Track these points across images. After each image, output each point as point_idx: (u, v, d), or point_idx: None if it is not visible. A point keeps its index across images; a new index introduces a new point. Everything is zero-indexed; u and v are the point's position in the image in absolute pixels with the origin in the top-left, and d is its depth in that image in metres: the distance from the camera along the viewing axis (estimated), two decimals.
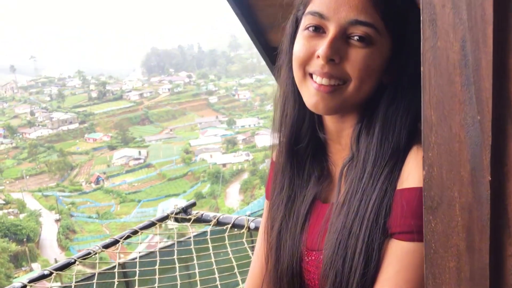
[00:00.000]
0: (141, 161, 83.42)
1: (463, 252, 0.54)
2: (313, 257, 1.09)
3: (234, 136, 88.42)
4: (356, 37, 0.94)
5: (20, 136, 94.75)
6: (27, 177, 77.49)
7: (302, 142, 1.14)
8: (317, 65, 0.98)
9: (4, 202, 61.66)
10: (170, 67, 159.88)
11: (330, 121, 1.09)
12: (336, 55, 0.95)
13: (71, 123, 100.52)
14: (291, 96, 1.13)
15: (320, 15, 0.96)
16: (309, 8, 0.99)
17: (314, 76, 0.99)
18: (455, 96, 0.50)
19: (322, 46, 0.94)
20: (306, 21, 1.00)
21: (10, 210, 58.75)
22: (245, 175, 68.55)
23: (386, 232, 0.94)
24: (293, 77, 1.08)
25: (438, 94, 0.52)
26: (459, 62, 0.47)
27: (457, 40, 0.47)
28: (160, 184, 74.05)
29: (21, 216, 57.03)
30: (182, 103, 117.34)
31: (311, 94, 1.00)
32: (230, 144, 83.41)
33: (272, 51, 1.94)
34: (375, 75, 0.97)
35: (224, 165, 73.52)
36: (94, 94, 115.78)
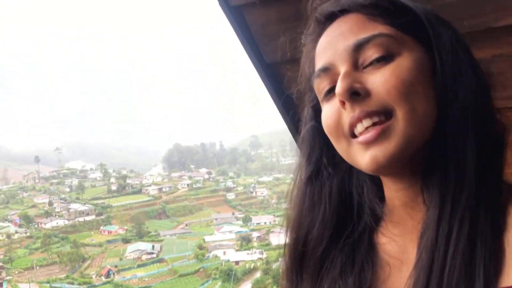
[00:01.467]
0: (154, 255, 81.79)
1: None
2: None
3: (249, 233, 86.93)
4: (373, 61, 0.76)
5: (36, 225, 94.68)
6: (37, 267, 76.04)
7: (316, 250, 0.87)
8: (347, 115, 0.76)
9: None
10: (191, 163, 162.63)
11: (395, 190, 0.83)
12: (356, 84, 0.75)
13: (88, 214, 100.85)
14: (299, 200, 0.91)
15: (325, 69, 0.80)
16: (313, 75, 0.83)
17: (355, 130, 0.76)
18: None
19: (337, 87, 0.76)
20: (318, 89, 0.83)
21: None
22: (258, 274, 66.18)
23: None
24: (306, 181, 0.89)
25: None
26: None
27: None
28: (170, 280, 71.80)
29: None
30: (200, 198, 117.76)
31: (363, 152, 0.76)
32: (245, 241, 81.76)
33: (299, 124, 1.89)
34: (423, 90, 0.75)
35: (237, 262, 71.44)
36: (114, 187, 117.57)
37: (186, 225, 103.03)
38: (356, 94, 0.74)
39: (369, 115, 0.74)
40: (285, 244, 0.93)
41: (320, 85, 0.81)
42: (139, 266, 77.79)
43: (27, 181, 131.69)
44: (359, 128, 0.75)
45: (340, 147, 0.80)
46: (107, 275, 73.79)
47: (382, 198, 0.86)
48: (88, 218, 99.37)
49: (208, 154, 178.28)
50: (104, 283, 71.58)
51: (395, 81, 0.73)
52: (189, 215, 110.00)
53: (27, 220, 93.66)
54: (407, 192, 0.80)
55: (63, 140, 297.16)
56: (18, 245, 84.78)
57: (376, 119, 0.74)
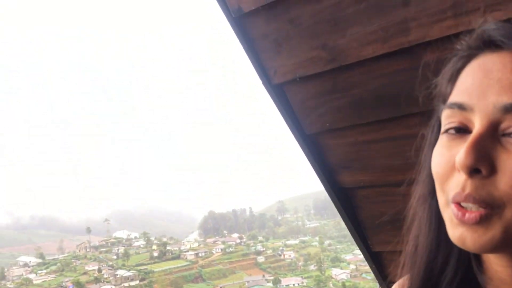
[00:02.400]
0: None
1: None
2: None
3: None
4: None
5: None
6: None
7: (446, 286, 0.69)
8: (457, 183, 0.57)
9: None
10: (224, 229, 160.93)
11: (496, 263, 0.64)
12: (483, 162, 0.54)
13: (132, 280, 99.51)
14: (428, 225, 0.70)
15: (460, 106, 0.59)
16: (448, 101, 0.62)
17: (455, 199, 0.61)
18: None
19: (460, 151, 0.55)
20: (445, 119, 0.62)
21: None
22: None
23: None
24: (431, 201, 0.69)
25: None
26: None
27: None
28: None
29: None
30: (233, 262, 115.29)
31: (455, 225, 0.59)
32: None
33: (341, 192, 1.78)
34: None
35: None
36: (155, 253, 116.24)
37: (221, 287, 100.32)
38: (477, 171, 0.55)
39: (477, 200, 0.55)
40: (408, 264, 0.73)
41: (448, 118, 0.61)
42: None
43: (79, 250, 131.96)
44: (462, 203, 0.57)
45: (439, 196, 0.63)
46: None
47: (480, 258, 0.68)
48: (132, 283, 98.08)
49: (239, 220, 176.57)
50: None
51: None
52: (223, 278, 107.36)
53: (79, 286, 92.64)
54: (507, 270, 0.62)
55: (110, 211, 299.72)
56: None
57: (484, 205, 0.55)
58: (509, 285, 0.63)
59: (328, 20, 1.40)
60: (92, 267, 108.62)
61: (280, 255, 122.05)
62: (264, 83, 1.61)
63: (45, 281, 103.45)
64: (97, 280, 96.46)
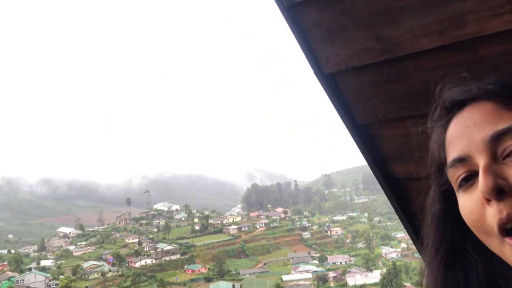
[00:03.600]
0: None
1: None
2: None
3: (325, 273, 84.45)
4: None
5: (127, 264, 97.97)
6: None
7: None
8: (493, 214, 0.67)
9: None
10: (268, 203, 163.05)
11: None
12: (502, 180, 0.66)
13: (173, 254, 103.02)
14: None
15: (460, 160, 0.73)
16: (448, 163, 0.75)
17: (506, 226, 0.66)
18: None
19: (480, 184, 0.68)
20: (453, 177, 0.74)
21: None
22: None
23: None
24: (441, 269, 0.79)
25: None
26: None
27: None
28: None
29: None
30: (277, 237, 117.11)
31: None
32: (321, 281, 79.29)
33: (394, 182, 1.88)
34: None
35: None
36: (197, 227, 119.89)
37: (264, 264, 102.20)
38: (501, 192, 0.66)
39: None
40: None
41: (455, 174, 0.73)
42: None
43: (119, 222, 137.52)
44: (509, 227, 0.66)
45: (490, 244, 0.70)
46: None
47: None
48: (173, 257, 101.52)
49: (283, 194, 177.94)
50: None
51: None
52: (267, 254, 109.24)
53: (119, 259, 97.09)
54: None
55: (150, 182, 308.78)
56: (111, 283, 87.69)
57: None
58: None
59: (383, 11, 1.47)
60: (132, 239, 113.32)
61: (326, 232, 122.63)
62: (315, 72, 1.68)
63: (85, 253, 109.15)
64: (137, 253, 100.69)
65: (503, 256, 0.68)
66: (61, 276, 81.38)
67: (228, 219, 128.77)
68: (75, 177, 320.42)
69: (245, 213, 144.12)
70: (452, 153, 0.74)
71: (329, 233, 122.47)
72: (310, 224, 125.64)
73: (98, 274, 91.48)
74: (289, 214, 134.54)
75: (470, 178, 0.70)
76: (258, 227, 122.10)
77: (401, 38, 1.45)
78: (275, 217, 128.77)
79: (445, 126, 0.77)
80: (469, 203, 0.70)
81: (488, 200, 0.66)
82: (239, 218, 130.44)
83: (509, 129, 0.68)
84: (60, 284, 72.09)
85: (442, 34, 1.35)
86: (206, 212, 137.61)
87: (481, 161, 0.69)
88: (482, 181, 0.66)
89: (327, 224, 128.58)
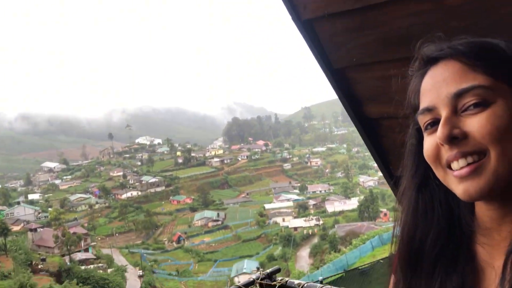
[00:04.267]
0: (219, 222, 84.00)
1: None
2: None
3: (305, 201, 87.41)
4: (470, 106, 0.83)
5: (113, 196, 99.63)
6: (117, 234, 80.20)
7: (428, 255, 0.97)
8: (446, 153, 0.85)
9: (95, 257, 63.65)
10: (249, 136, 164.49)
11: (487, 209, 0.91)
12: (455, 130, 0.83)
13: (158, 186, 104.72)
14: (409, 208, 0.99)
15: (428, 109, 0.88)
16: (418, 112, 0.92)
17: (451, 165, 0.85)
18: None
19: (438, 132, 0.85)
20: (422, 122, 0.92)
21: (100, 264, 60.37)
22: (315, 239, 66.57)
23: None
24: (411, 192, 0.99)
25: None
26: None
27: None
28: (235, 245, 73.69)
29: (109, 270, 58.36)
30: (259, 169, 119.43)
31: (457, 184, 0.85)
32: (302, 209, 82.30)
33: (367, 122, 2.02)
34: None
35: (295, 228, 72.13)
36: (180, 160, 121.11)
37: (247, 194, 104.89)
38: (454, 138, 0.83)
39: (464, 155, 0.82)
40: (398, 241, 1.01)
41: (423, 120, 0.90)
42: (206, 232, 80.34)
43: (103, 157, 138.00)
44: (455, 165, 0.83)
45: (438, 173, 0.89)
46: (178, 241, 76.82)
47: (473, 212, 0.94)
48: (158, 189, 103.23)
49: (264, 127, 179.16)
50: (176, 249, 74.66)
51: (490, 127, 0.80)
52: (249, 184, 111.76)
53: (105, 192, 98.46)
54: (496, 212, 0.88)
55: (130, 116, 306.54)
56: (99, 215, 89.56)
57: (470, 159, 0.81)
58: (494, 230, 0.89)
59: None
60: (116, 173, 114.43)
61: (306, 163, 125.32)
62: (293, 18, 1.73)
63: (71, 186, 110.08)
64: (122, 186, 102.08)
65: (446, 183, 0.88)
66: (49, 209, 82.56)
67: (210, 152, 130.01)
68: (54, 113, 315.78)
69: (227, 146, 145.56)
70: (423, 102, 0.89)
71: (309, 164, 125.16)
72: (290, 156, 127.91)
73: (85, 206, 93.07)
74: (270, 147, 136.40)
75: (434, 124, 0.87)
76: (240, 159, 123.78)
77: None
78: (256, 150, 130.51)
79: (421, 77, 0.91)
80: (429, 143, 0.88)
81: (442, 145, 0.84)
82: (221, 151, 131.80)
83: (469, 88, 0.82)
84: (49, 216, 73.29)
85: None
86: (188, 146, 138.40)
87: (443, 113, 0.84)
88: (440, 130, 0.83)
89: (307, 155, 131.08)
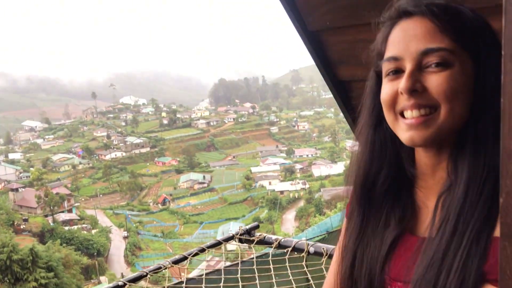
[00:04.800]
0: (205, 185, 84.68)
1: None
2: None
3: (292, 165, 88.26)
4: (432, 64, 0.94)
5: (97, 157, 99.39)
6: (101, 195, 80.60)
7: (379, 188, 1.12)
8: (403, 101, 0.97)
9: (79, 218, 64.16)
10: (236, 98, 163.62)
11: (424, 155, 1.05)
12: (417, 84, 0.95)
13: (143, 147, 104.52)
14: (366, 145, 1.12)
15: (395, 58, 0.98)
16: (385, 56, 1.01)
17: (404, 113, 0.98)
18: None
19: (402, 82, 0.96)
20: (385, 68, 1.02)
21: (84, 225, 60.98)
22: (301, 203, 67.77)
23: (482, 276, 0.87)
24: (369, 129, 1.11)
25: None
26: None
27: None
28: (221, 208, 74.64)
29: (93, 231, 59.02)
30: (245, 132, 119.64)
31: (404, 130, 0.98)
32: (288, 173, 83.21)
33: (340, 84, 2.12)
34: (463, 95, 0.95)
35: (281, 192, 73.17)
36: (165, 121, 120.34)
37: (234, 157, 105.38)
38: (414, 91, 0.95)
39: (419, 107, 0.94)
40: (353, 175, 1.16)
41: (387, 67, 1.00)
42: (191, 194, 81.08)
43: (86, 116, 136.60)
44: (408, 114, 0.96)
45: (388, 117, 1.02)
46: (163, 202, 77.53)
47: (413, 158, 1.09)
48: (143, 150, 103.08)
49: (251, 89, 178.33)
50: (161, 210, 75.45)
51: (445, 86, 0.93)
52: (236, 147, 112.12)
53: (88, 152, 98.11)
54: (432, 159, 1.03)
55: (113, 75, 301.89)
56: (83, 175, 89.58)
57: (423, 111, 0.95)
58: (429, 174, 1.05)
59: None
60: (100, 133, 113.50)
61: (294, 126, 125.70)
62: None
63: (53, 146, 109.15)
64: (106, 147, 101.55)
65: (393, 128, 1.02)
66: (31, 169, 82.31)
67: (196, 114, 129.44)
68: (33, 71, 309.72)
69: (213, 108, 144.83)
70: (390, 50, 1.00)
71: (296, 127, 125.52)
72: (278, 119, 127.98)
73: (69, 167, 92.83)
74: (257, 109, 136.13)
75: (396, 72, 0.98)
76: (226, 121, 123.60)
77: None
78: (243, 112, 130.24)
79: (391, 27, 1.01)
80: (389, 89, 1.00)
81: (402, 93, 0.96)
82: (207, 113, 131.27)
83: (436, 49, 0.92)
84: (31, 176, 73.16)
85: None
86: (174, 107, 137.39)
87: (408, 66, 0.95)
88: (404, 82, 0.95)
89: (295, 119, 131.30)
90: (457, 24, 0.95)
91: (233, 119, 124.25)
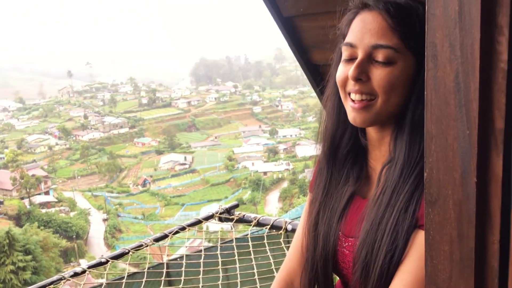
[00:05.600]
0: (186, 166, 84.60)
1: (455, 238, 0.68)
2: (350, 243, 1.29)
3: (275, 145, 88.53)
4: (379, 59, 1.11)
5: (74, 138, 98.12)
6: (79, 177, 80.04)
7: (343, 149, 1.34)
8: (351, 85, 1.17)
9: (56, 200, 63.74)
10: (217, 77, 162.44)
11: (371, 131, 1.27)
12: (363, 74, 1.14)
13: (121, 127, 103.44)
14: (333, 112, 1.33)
15: (351, 45, 1.16)
16: (345, 40, 1.20)
17: (351, 95, 1.18)
18: (450, 115, 0.64)
19: (351, 69, 1.14)
20: (343, 51, 1.21)
21: (62, 208, 60.68)
22: (285, 184, 68.30)
23: (415, 223, 1.09)
24: (335, 97, 1.31)
25: (437, 113, 0.66)
26: (454, 88, 0.63)
27: (452, 71, 0.63)
28: (203, 189, 74.80)
29: (72, 214, 58.82)
30: (228, 112, 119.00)
31: (350, 111, 1.20)
32: (272, 153, 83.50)
33: (314, 68, 2.27)
34: (401, 90, 1.13)
35: (265, 173, 73.54)
36: (144, 101, 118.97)
37: (216, 137, 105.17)
38: (359, 79, 1.15)
39: (361, 93, 1.15)
40: (321, 136, 1.40)
41: (344, 51, 1.20)
42: (172, 176, 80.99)
43: (62, 96, 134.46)
44: (352, 96, 1.18)
45: (341, 95, 1.24)
46: (144, 184, 77.39)
47: (365, 131, 1.31)
48: (122, 130, 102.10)
49: (233, 68, 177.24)
50: (141, 192, 75.32)
51: (385, 81, 1.12)
52: (218, 128, 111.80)
53: (65, 132, 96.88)
54: (377, 135, 1.26)
55: (89, 51, 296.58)
56: (60, 156, 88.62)
57: (364, 97, 1.15)
58: (376, 146, 1.29)
59: None
60: (77, 113, 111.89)
61: (277, 106, 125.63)
62: None
63: (28, 126, 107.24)
64: (83, 127, 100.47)
65: (344, 105, 1.25)
66: (5, 150, 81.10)
67: (177, 93, 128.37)
68: (4, 47, 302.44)
69: (194, 87, 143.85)
70: (349, 36, 1.19)
71: (279, 107, 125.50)
72: (261, 99, 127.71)
73: (45, 148, 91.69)
74: (239, 89, 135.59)
75: (350, 57, 1.18)
76: (208, 101, 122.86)
77: None
78: (225, 92, 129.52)
79: (355, 14, 1.20)
80: (342, 71, 1.21)
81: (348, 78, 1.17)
82: (188, 92, 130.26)
83: (384, 46, 1.10)
84: (6, 158, 72.11)
85: None
86: (153, 86, 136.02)
87: (360, 56, 1.14)
88: (352, 70, 1.15)
89: (278, 98, 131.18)
90: (407, 24, 1.10)
91: (215, 98, 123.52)
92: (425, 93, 0.67)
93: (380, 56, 1.11)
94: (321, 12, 1.94)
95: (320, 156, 1.42)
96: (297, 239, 1.50)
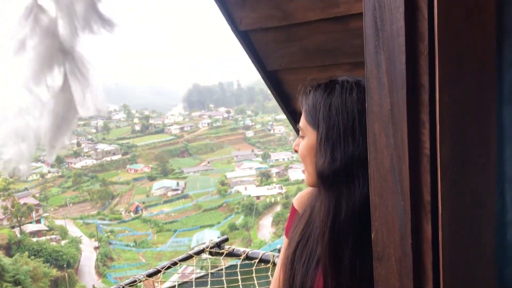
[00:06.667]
0: (179, 192, 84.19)
1: None
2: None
3: (268, 169, 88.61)
4: (301, 135, 1.45)
5: (66, 165, 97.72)
6: (71, 204, 79.33)
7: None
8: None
9: (47, 229, 63.11)
10: (210, 103, 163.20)
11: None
12: (296, 146, 1.48)
13: (114, 154, 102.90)
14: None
15: (298, 129, 1.50)
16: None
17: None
18: (389, 189, 0.78)
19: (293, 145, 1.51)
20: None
21: (53, 236, 60.03)
22: (278, 208, 68.17)
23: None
24: None
25: (379, 187, 0.80)
26: (390, 169, 0.77)
27: (388, 155, 0.77)
28: (195, 215, 74.37)
29: (63, 242, 58.16)
30: (220, 137, 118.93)
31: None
32: (264, 177, 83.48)
33: (295, 115, 2.35)
34: (310, 158, 1.39)
35: (257, 197, 73.37)
36: (137, 127, 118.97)
37: (208, 162, 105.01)
38: (296, 150, 1.48)
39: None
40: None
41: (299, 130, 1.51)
42: (165, 202, 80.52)
43: None
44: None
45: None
46: (136, 211, 76.84)
47: None
48: (114, 157, 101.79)
49: (226, 94, 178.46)
50: (133, 219, 74.73)
51: (299, 153, 1.45)
52: (211, 153, 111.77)
53: (58, 160, 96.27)
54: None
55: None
56: (52, 184, 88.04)
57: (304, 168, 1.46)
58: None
59: None
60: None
61: (269, 130, 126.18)
62: (232, 29, 2.14)
63: None
64: (76, 154, 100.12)
65: None
66: None
67: (170, 119, 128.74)
68: None
69: (187, 113, 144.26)
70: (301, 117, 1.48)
71: (272, 131, 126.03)
72: (253, 123, 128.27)
73: (37, 176, 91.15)
74: (232, 114, 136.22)
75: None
76: (200, 126, 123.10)
77: (294, 10, 2.00)
78: (217, 117, 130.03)
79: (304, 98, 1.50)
80: (297, 140, 1.50)
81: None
82: (181, 118, 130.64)
83: (300, 127, 1.44)
84: None
85: (324, 10, 1.95)
86: (146, 112, 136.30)
87: (299, 133, 1.48)
88: (293, 144, 1.51)
89: (270, 123, 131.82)
90: (306, 107, 1.41)
91: (208, 124, 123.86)
92: (369, 171, 0.82)
93: (300, 132, 1.44)
94: (300, 67, 2.16)
95: (287, 230, 1.60)
96: (277, 274, 1.60)
